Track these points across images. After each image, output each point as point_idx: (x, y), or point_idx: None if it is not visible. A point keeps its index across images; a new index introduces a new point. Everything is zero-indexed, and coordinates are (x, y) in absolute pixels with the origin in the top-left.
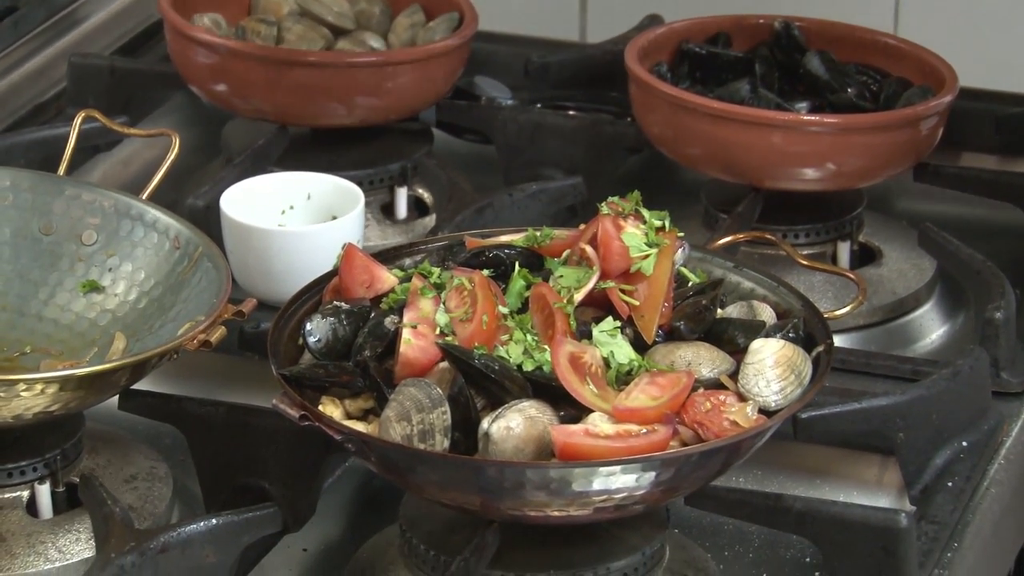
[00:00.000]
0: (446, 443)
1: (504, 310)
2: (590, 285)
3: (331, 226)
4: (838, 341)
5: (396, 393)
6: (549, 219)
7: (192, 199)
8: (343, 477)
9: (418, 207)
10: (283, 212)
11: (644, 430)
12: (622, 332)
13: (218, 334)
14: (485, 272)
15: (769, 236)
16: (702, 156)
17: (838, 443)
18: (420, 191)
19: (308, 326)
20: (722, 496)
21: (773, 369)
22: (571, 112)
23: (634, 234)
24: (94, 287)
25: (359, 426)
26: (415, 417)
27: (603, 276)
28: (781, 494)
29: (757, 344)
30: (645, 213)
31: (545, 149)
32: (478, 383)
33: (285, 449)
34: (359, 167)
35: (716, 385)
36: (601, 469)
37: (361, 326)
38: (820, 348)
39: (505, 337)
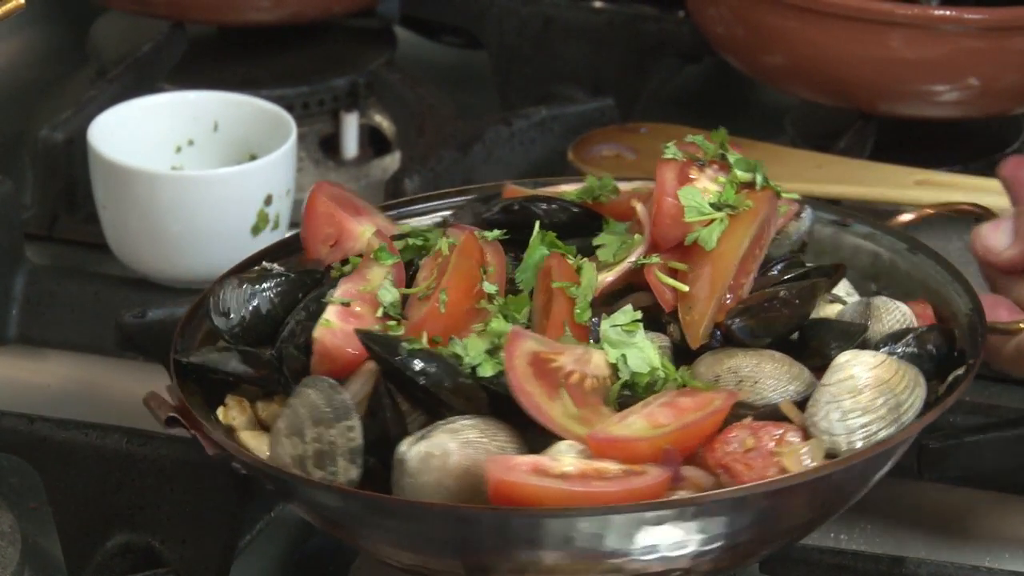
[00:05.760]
0: (353, 472)
1: (490, 288)
2: (630, 259)
3: (247, 169)
4: None
5: (294, 395)
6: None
7: (47, 129)
8: (267, 532)
9: (374, 142)
10: (179, 149)
11: (630, 470)
12: (662, 329)
13: (7, 7)
14: (494, 234)
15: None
16: (787, 68)
17: (981, 484)
18: (377, 118)
19: (220, 295)
20: (814, 560)
21: (855, 396)
22: (597, 3)
23: (699, 191)
24: None
25: (258, 440)
26: (309, 432)
27: (652, 248)
28: (901, 557)
29: (844, 358)
30: (732, 159)
31: (559, 57)
32: (410, 390)
33: (184, 492)
34: (289, 83)
35: (775, 415)
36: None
37: (300, 300)
38: (959, 372)
39: (479, 326)
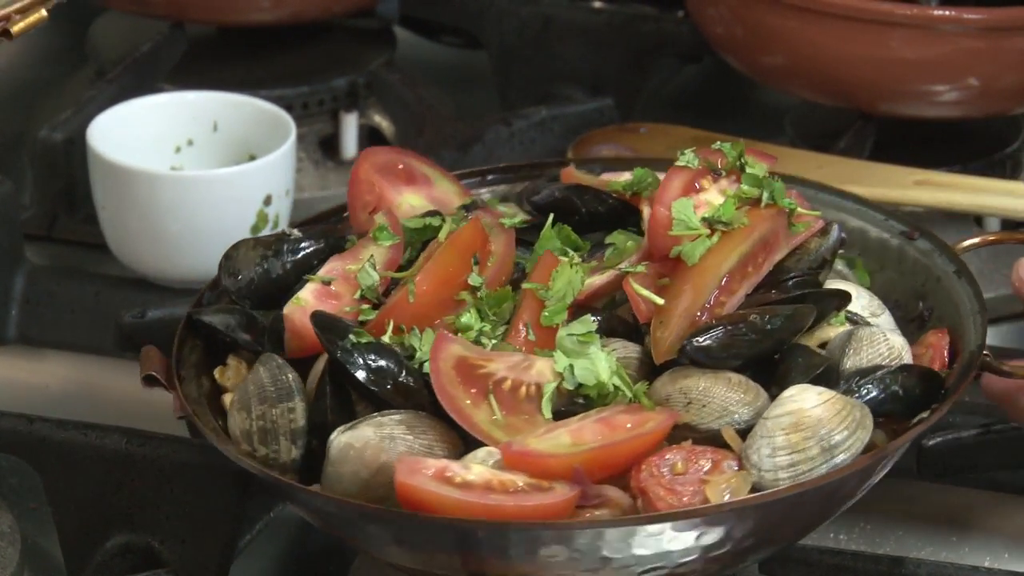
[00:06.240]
0: (294, 452)
1: (475, 280)
2: (622, 264)
3: (247, 170)
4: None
5: (252, 370)
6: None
7: (46, 130)
8: (267, 532)
9: (374, 142)
10: (178, 149)
11: (537, 485)
12: (628, 337)
13: (31, 19)
14: (513, 221)
15: None
16: (787, 68)
17: (981, 483)
18: (376, 118)
19: (234, 255)
20: (814, 560)
21: (788, 434)
22: (596, 4)
23: (692, 203)
24: None
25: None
26: (255, 409)
27: (646, 256)
28: (901, 557)
29: (789, 392)
30: (753, 173)
31: (559, 57)
32: (351, 381)
33: (184, 492)
34: (288, 84)
35: (717, 441)
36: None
37: (315, 266)
38: (924, 414)
39: (450, 318)
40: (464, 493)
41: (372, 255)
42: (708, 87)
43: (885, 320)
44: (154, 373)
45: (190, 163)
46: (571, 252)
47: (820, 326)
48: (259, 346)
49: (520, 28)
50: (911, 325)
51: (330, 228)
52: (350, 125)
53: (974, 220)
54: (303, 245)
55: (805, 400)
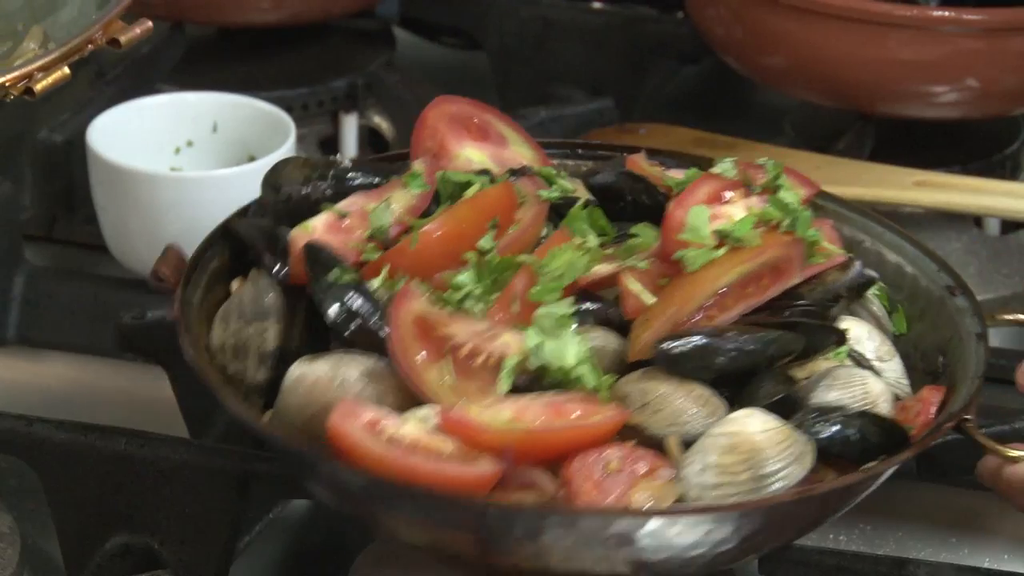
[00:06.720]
0: (261, 373)
1: (488, 243)
2: (631, 258)
3: (246, 170)
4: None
5: (242, 286)
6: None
7: (46, 131)
8: (266, 533)
9: (373, 143)
10: (178, 150)
11: (465, 455)
12: (622, 332)
13: (54, 77)
14: (549, 194)
15: None
16: (786, 69)
17: (981, 484)
18: (376, 119)
19: (280, 169)
20: (814, 561)
21: (722, 455)
22: (596, 5)
23: (710, 212)
24: None
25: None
26: (233, 323)
27: (659, 254)
28: (901, 558)
29: (738, 413)
30: (784, 197)
31: (559, 58)
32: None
33: (183, 493)
34: (288, 85)
35: (660, 447)
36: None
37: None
38: (872, 463)
39: (448, 274)
40: (387, 449)
41: (391, 197)
42: (708, 88)
43: (893, 366)
44: (163, 272)
45: (190, 164)
46: (590, 235)
47: (814, 359)
48: (278, 264)
49: (520, 29)
50: (928, 378)
51: (388, 167)
52: (350, 126)
53: (973, 221)
54: (350, 175)
55: (749, 424)
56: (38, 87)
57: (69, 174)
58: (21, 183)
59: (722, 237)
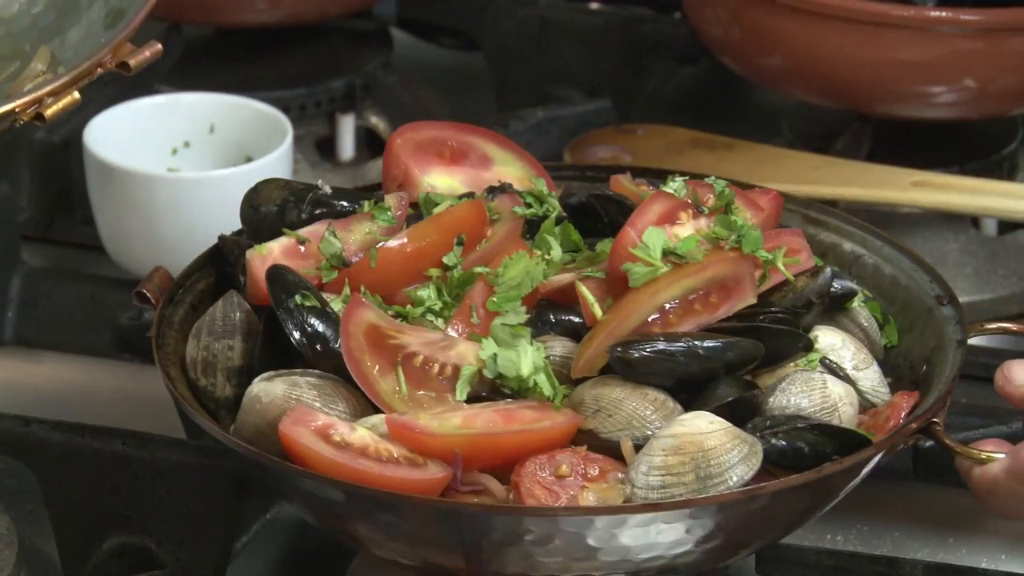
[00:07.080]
0: (228, 389)
1: (452, 259)
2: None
3: (243, 171)
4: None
5: (214, 304)
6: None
7: (43, 131)
8: (264, 534)
9: (370, 143)
10: (175, 151)
11: (413, 460)
12: (576, 336)
13: (64, 102)
14: (524, 212)
15: None
16: (784, 69)
17: None
18: (373, 120)
19: (259, 187)
20: (811, 561)
21: (667, 456)
22: (594, 5)
23: (665, 235)
24: None
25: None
26: (203, 339)
27: (608, 270)
28: (897, 558)
29: (687, 416)
30: (732, 217)
31: (556, 58)
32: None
33: (181, 494)
34: (285, 85)
35: (614, 451)
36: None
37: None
38: (825, 464)
39: (409, 290)
40: (336, 452)
41: (331, 224)
42: (705, 88)
43: (869, 375)
44: (145, 291)
45: (187, 165)
46: (555, 248)
47: (783, 366)
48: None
49: (517, 29)
50: (913, 387)
51: (369, 196)
52: (347, 127)
53: (971, 221)
54: (326, 200)
55: (696, 426)
56: (48, 112)
57: (66, 175)
58: (18, 184)
59: (666, 254)
